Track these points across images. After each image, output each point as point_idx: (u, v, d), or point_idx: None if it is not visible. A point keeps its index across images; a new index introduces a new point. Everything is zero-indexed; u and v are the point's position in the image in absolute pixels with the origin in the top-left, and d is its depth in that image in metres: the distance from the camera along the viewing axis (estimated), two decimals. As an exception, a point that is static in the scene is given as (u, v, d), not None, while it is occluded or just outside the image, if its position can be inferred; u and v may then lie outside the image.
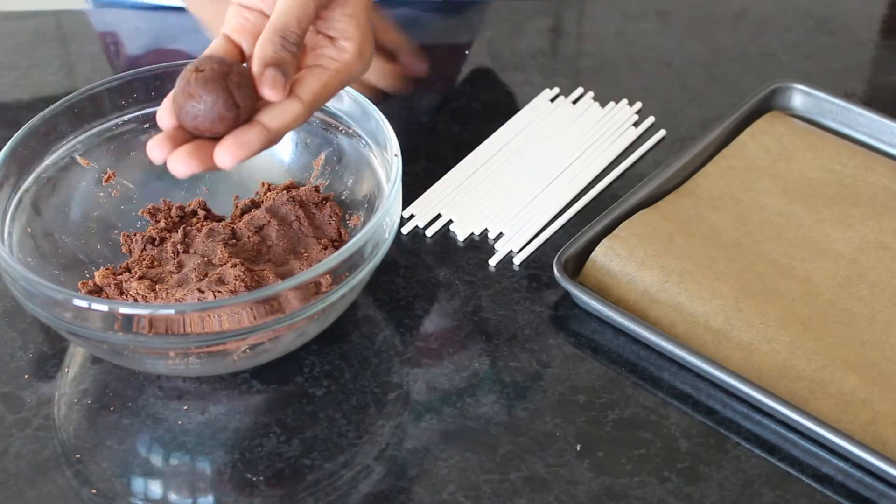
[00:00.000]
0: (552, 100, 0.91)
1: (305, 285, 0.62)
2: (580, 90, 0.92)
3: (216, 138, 0.60)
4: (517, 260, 0.77)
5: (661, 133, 0.88)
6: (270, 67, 0.60)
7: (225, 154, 0.59)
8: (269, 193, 0.76)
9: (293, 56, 0.61)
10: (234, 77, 0.59)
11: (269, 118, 0.60)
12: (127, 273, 0.71)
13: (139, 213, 0.76)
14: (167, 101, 0.61)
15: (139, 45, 1.00)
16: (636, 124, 0.89)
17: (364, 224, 0.73)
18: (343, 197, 0.76)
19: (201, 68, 0.59)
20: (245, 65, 0.62)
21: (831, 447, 0.64)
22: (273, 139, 0.61)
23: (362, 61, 0.65)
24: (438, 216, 0.81)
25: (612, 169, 0.84)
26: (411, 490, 0.63)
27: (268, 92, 0.60)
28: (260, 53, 0.60)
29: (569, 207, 0.81)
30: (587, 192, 0.82)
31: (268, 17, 0.64)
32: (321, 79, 0.63)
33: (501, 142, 0.86)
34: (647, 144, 0.87)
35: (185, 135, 0.60)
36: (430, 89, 0.94)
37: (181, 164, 0.59)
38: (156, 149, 0.59)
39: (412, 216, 0.80)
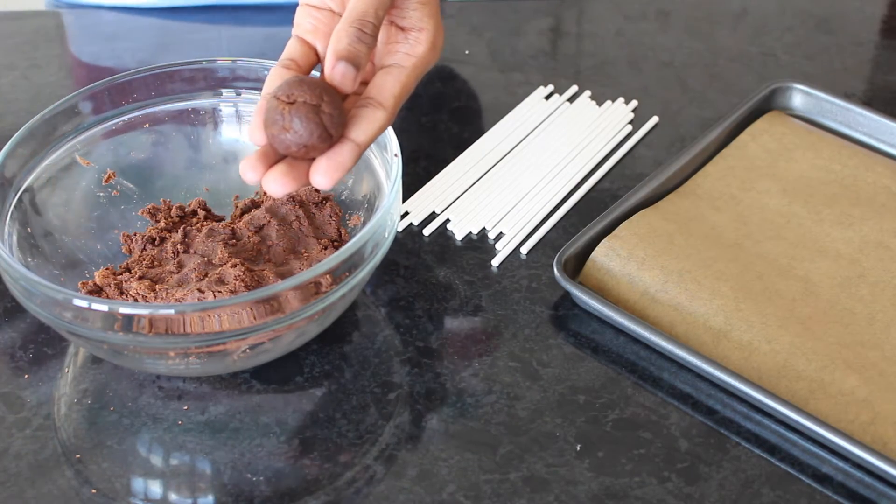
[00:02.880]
0: (547, 97, 0.92)
1: (305, 285, 0.62)
2: (575, 88, 0.92)
3: None
4: (522, 249, 0.77)
5: (654, 119, 0.88)
6: (342, 61, 0.59)
7: (321, 176, 0.59)
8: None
9: (368, 48, 0.59)
10: (326, 108, 0.58)
11: (358, 132, 0.59)
12: (127, 273, 0.71)
13: (139, 213, 0.76)
14: (256, 117, 0.60)
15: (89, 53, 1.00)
16: (633, 122, 0.89)
17: (364, 224, 0.73)
18: (343, 197, 0.76)
19: (292, 100, 0.58)
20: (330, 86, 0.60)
21: (831, 447, 0.64)
22: (363, 151, 0.60)
23: (435, 52, 0.63)
24: (433, 214, 0.81)
25: (610, 157, 0.85)
26: (411, 490, 0.63)
27: (337, 85, 0.59)
28: (334, 45, 0.59)
29: (566, 201, 0.81)
30: (583, 185, 0.82)
31: (338, 15, 0.63)
32: (400, 79, 0.61)
33: (495, 140, 0.87)
34: (642, 131, 0.87)
35: (276, 153, 0.60)
36: (431, 89, 0.94)
37: (277, 184, 0.58)
38: (249, 170, 0.59)
39: (407, 213, 0.80)
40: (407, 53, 0.62)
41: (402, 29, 0.63)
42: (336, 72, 0.59)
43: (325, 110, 0.58)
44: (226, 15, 1.01)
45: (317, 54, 0.63)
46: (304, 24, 0.64)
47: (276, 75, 0.61)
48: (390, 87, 0.61)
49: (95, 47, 1.01)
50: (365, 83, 0.63)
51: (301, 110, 0.58)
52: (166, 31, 1.01)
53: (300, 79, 0.59)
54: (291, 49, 0.63)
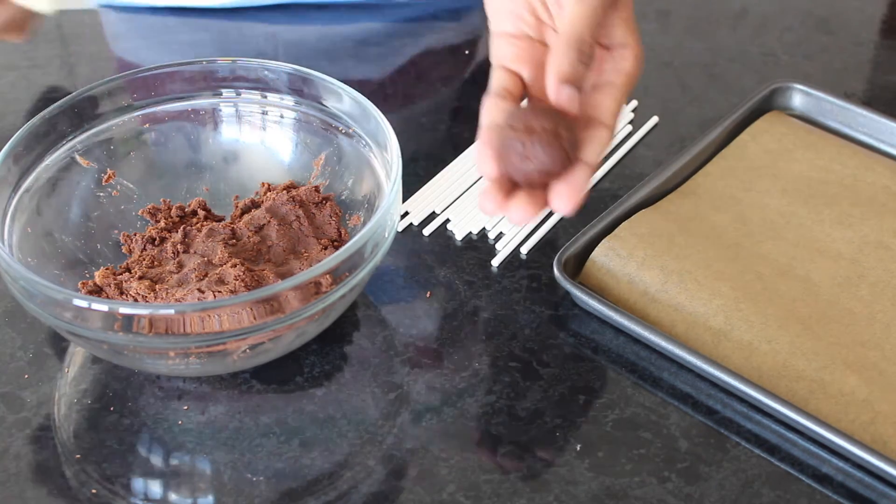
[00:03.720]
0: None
1: (305, 285, 0.62)
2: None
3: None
4: (522, 249, 0.77)
5: (654, 119, 0.88)
6: (566, 85, 0.58)
7: (563, 200, 0.58)
8: (269, 193, 0.76)
9: (587, 68, 0.59)
10: (563, 132, 0.57)
11: (589, 153, 0.59)
12: (127, 273, 0.71)
13: (139, 213, 0.76)
14: (486, 149, 0.59)
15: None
16: (633, 122, 0.89)
17: (364, 224, 0.73)
18: (343, 197, 0.76)
19: (530, 128, 0.58)
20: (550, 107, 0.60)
21: (831, 447, 0.64)
22: (595, 172, 0.60)
23: (640, 67, 0.63)
24: (433, 214, 0.81)
25: (610, 157, 0.85)
26: (411, 490, 0.63)
27: (564, 108, 0.59)
28: (556, 68, 0.59)
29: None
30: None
31: (537, 41, 0.63)
32: (615, 97, 0.61)
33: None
34: (642, 131, 0.87)
35: (509, 181, 0.59)
36: (430, 89, 0.94)
37: (522, 212, 0.58)
38: (489, 201, 0.59)
39: (407, 213, 0.80)
40: (616, 70, 0.62)
41: (606, 48, 0.63)
42: (563, 95, 0.58)
43: (563, 134, 0.57)
44: (282, 14, 1.01)
45: (523, 81, 0.63)
46: (506, 53, 0.64)
47: (493, 107, 0.61)
48: (608, 105, 0.61)
49: (134, 44, 1.01)
50: None
51: (543, 138, 0.57)
52: (215, 30, 1.01)
53: (529, 107, 0.59)
54: (500, 79, 0.63)
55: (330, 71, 0.76)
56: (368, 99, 0.73)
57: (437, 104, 0.92)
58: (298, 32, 1.00)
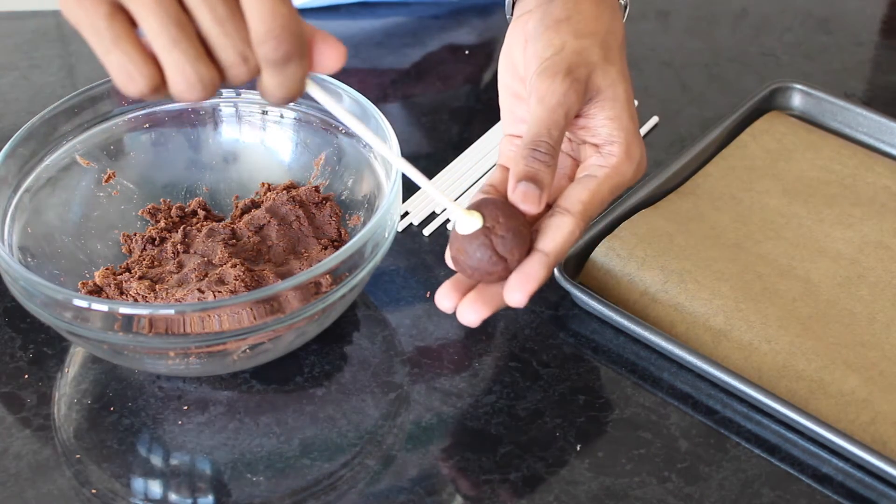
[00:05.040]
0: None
1: (305, 285, 0.62)
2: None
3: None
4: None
5: (654, 120, 0.88)
6: (521, 182, 0.59)
7: (515, 293, 0.58)
8: (269, 193, 0.76)
9: (547, 166, 0.59)
10: (499, 230, 0.58)
11: (545, 242, 0.59)
12: (127, 273, 0.71)
13: (139, 213, 0.76)
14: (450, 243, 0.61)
15: None
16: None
17: (364, 224, 0.73)
18: (343, 197, 0.76)
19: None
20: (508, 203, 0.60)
21: (831, 447, 0.64)
22: (556, 261, 0.60)
23: (632, 162, 0.63)
24: (433, 214, 0.81)
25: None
26: (411, 490, 0.63)
27: (521, 206, 0.59)
28: (513, 169, 0.60)
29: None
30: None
31: None
32: (588, 187, 0.61)
33: (495, 140, 0.87)
34: (642, 132, 0.87)
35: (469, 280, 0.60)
36: (430, 89, 0.94)
37: (471, 311, 0.59)
38: (444, 299, 0.59)
39: (407, 213, 0.80)
40: (600, 165, 0.62)
41: (595, 146, 0.63)
42: (517, 192, 0.59)
43: (498, 232, 0.58)
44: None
45: None
46: (506, 152, 0.65)
47: (474, 200, 0.62)
48: (577, 193, 0.61)
49: None
50: None
51: (470, 235, 0.58)
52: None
53: (480, 201, 0.59)
54: (493, 176, 0.64)
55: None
56: (368, 99, 0.73)
57: (437, 104, 0.92)
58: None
